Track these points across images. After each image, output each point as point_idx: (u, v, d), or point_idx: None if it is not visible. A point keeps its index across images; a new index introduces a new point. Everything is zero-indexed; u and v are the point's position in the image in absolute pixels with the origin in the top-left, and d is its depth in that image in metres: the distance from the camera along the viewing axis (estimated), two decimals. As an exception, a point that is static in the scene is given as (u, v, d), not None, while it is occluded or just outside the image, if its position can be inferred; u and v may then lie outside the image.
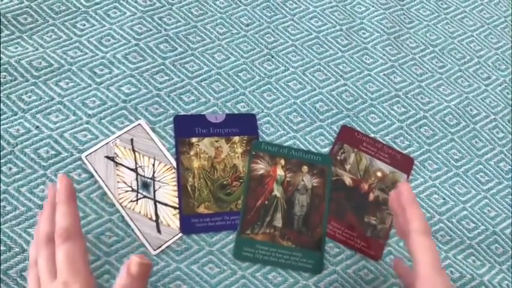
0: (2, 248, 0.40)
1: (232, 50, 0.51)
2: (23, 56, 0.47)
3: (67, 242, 0.33)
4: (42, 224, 0.35)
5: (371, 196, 0.47)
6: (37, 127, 0.44)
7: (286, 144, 0.48)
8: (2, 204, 0.41)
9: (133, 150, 0.45)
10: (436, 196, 0.49)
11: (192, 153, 0.46)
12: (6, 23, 0.48)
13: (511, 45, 0.59)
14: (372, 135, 0.50)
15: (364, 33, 0.55)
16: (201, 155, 0.46)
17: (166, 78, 0.49)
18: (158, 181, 0.45)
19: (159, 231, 0.43)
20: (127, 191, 0.43)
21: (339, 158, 0.48)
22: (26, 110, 0.45)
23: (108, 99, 0.47)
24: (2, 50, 0.47)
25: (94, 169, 0.44)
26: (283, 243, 0.44)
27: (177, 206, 0.44)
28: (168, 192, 0.44)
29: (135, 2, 0.51)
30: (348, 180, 0.48)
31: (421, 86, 0.54)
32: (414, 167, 0.49)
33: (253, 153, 0.47)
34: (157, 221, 0.43)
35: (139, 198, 0.44)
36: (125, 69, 0.48)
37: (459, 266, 0.46)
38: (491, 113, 0.54)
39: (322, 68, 0.52)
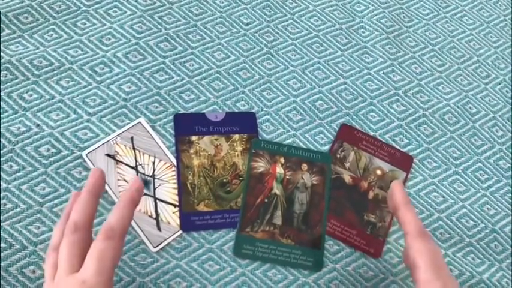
0: (3, 245, 0.40)
1: (232, 49, 0.52)
2: (24, 54, 0.47)
3: (107, 241, 0.31)
4: (74, 211, 0.33)
5: (370, 194, 0.47)
6: (38, 125, 0.45)
7: (286, 142, 0.48)
8: (2, 201, 0.42)
9: (134, 148, 0.45)
10: (435, 194, 0.49)
11: (192, 151, 0.46)
12: (7, 22, 0.48)
13: (511, 43, 0.59)
14: (372, 133, 0.50)
15: (363, 32, 0.56)
16: (201, 153, 0.46)
17: (167, 76, 0.49)
18: (158, 179, 0.45)
19: (159, 228, 0.43)
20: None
21: (338, 156, 0.48)
22: (27, 108, 0.45)
23: (108, 98, 0.47)
24: (3, 48, 0.47)
25: (95, 167, 0.44)
26: (283, 240, 0.44)
27: (177, 203, 0.44)
28: (168, 190, 0.44)
29: (136, 1, 0.52)
30: (347, 178, 0.48)
31: (421, 84, 0.54)
32: (414, 165, 0.50)
33: (253, 151, 0.47)
34: (157, 218, 0.43)
35: (140, 196, 0.44)
36: (125, 68, 0.48)
37: (459, 264, 0.46)
38: (490, 112, 0.54)
39: (321, 67, 0.53)
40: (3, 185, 0.42)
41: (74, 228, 0.32)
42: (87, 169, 0.44)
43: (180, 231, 0.43)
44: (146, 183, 0.44)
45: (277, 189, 0.46)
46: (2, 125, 0.44)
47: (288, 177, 0.47)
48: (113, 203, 0.43)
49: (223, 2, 0.54)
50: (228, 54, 0.51)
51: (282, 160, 0.47)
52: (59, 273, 0.31)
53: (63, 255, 0.32)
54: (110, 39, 0.49)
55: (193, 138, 0.47)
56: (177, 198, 0.44)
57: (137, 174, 0.44)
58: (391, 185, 0.38)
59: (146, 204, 0.44)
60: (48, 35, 0.49)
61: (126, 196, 0.34)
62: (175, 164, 0.45)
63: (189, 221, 0.44)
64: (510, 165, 0.52)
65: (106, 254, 0.31)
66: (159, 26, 0.51)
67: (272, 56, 0.52)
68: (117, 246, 0.32)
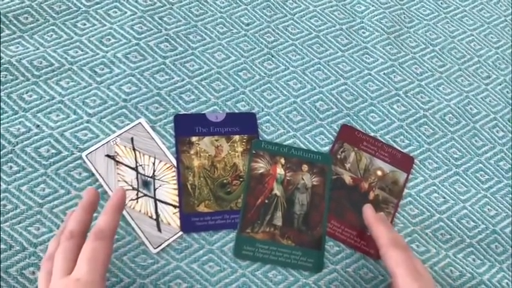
0: (3, 246, 0.40)
1: (232, 49, 0.52)
2: (24, 55, 0.47)
3: (98, 241, 0.33)
4: (70, 222, 0.35)
5: (371, 195, 0.47)
6: (38, 126, 0.44)
7: (286, 143, 0.48)
8: (2, 202, 0.41)
9: (134, 149, 0.45)
10: (436, 195, 0.49)
11: (192, 152, 0.46)
12: (7, 22, 0.48)
13: (511, 44, 0.59)
14: (372, 134, 0.50)
15: (364, 33, 0.55)
16: (202, 154, 0.46)
17: (167, 77, 0.49)
18: (158, 180, 0.45)
19: (159, 229, 0.43)
20: (127, 190, 0.44)
21: (339, 156, 0.48)
22: (27, 109, 0.45)
23: (108, 99, 0.47)
24: (3, 49, 0.47)
25: (94, 168, 0.44)
26: (283, 241, 0.44)
27: (178, 204, 0.44)
28: (168, 190, 0.44)
29: (136, 1, 0.52)
30: (348, 179, 0.48)
31: (421, 85, 0.54)
32: (414, 165, 0.50)
33: (254, 152, 0.47)
34: (157, 219, 0.43)
35: (140, 197, 0.44)
36: (126, 69, 0.48)
37: (459, 265, 0.46)
38: (491, 112, 0.54)
39: (322, 67, 0.53)
40: (3, 186, 0.42)
41: (69, 236, 0.34)
42: (87, 170, 0.44)
43: (180, 232, 0.43)
44: (146, 184, 0.44)
45: (277, 190, 0.46)
46: (2, 126, 0.44)
47: (288, 178, 0.46)
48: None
49: (223, 3, 0.54)
50: (229, 54, 0.51)
51: (283, 161, 0.47)
52: (53, 277, 0.32)
53: (59, 258, 0.33)
54: (110, 39, 0.49)
55: (194, 139, 0.47)
56: (177, 199, 0.44)
57: (137, 175, 0.44)
58: (362, 209, 0.43)
59: (146, 205, 0.44)
60: (48, 36, 0.48)
61: (112, 202, 0.35)
62: (176, 164, 0.45)
63: (189, 222, 0.44)
64: (511, 166, 0.52)
65: (98, 253, 0.32)
66: (159, 27, 0.51)
67: (272, 56, 0.52)
68: (108, 247, 0.33)
